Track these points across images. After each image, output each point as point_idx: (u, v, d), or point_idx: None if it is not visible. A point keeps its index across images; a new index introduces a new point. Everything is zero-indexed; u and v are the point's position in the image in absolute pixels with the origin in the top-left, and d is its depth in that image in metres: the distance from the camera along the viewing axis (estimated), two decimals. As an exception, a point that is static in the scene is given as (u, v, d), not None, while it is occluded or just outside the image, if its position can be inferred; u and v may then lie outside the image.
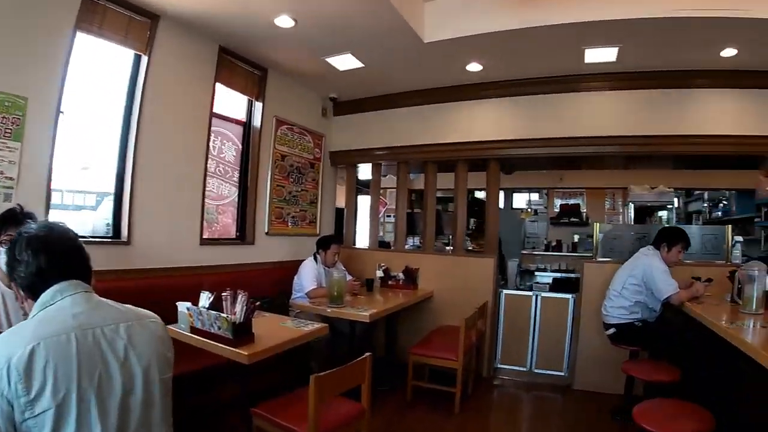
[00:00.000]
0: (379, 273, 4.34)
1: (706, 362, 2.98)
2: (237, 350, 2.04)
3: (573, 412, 3.61)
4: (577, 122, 4.12)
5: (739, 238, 4.12)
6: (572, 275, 6.42)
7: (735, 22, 3.05)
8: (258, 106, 4.17)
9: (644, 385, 3.14)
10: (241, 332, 2.13)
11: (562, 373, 4.12)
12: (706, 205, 7.34)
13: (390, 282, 4.31)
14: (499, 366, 4.30)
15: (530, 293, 4.30)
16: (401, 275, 4.28)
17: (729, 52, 3.58)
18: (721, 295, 3.31)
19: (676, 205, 6.68)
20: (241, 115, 4.18)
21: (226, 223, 4.06)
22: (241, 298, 2.18)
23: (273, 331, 2.44)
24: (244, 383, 2.44)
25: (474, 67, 3.95)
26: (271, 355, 2.18)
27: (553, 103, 4.20)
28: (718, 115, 3.97)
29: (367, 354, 2.06)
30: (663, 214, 6.74)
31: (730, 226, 4.18)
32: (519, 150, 4.30)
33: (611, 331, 3.39)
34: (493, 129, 4.35)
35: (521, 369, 4.22)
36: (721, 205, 7.07)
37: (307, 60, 3.95)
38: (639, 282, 3.29)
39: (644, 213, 6.23)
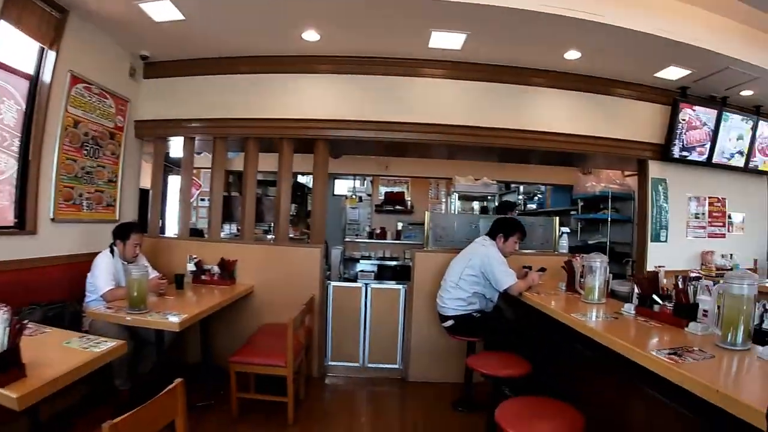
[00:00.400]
0: (191, 266, 4.26)
1: (548, 351, 3.45)
2: (1, 391, 1.73)
3: (413, 405, 3.97)
4: (415, 108, 4.56)
5: (566, 229, 4.94)
6: (397, 263, 7.33)
7: (583, 24, 3.64)
8: (51, 56, 3.71)
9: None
10: (6, 365, 1.80)
11: (397, 366, 4.55)
12: (521, 197, 8.96)
13: (203, 277, 4.25)
14: (330, 363, 4.55)
15: (359, 284, 4.61)
16: (216, 268, 4.25)
17: (573, 55, 4.29)
18: (554, 283, 3.91)
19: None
20: (29, 68, 3.66)
21: (1, 206, 3.54)
22: (2, 315, 1.84)
23: (54, 355, 2.11)
24: (30, 412, 2.17)
25: (311, 35, 4.06)
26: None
27: (392, 85, 4.56)
28: (552, 113, 4.81)
29: (178, 381, 1.86)
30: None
31: (557, 217, 5.02)
32: (352, 131, 4.56)
33: (449, 323, 3.79)
34: (326, 107, 4.57)
35: (354, 365, 4.55)
36: (537, 198, 8.64)
37: (117, 3, 3.65)
38: (476, 273, 3.74)
39: (506, 207, 7.35)
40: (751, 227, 6.25)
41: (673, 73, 4.73)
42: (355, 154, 6.83)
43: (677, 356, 1.87)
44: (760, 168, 5.99)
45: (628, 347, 2.07)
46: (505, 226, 3.97)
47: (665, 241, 5.57)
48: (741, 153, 5.77)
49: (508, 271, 3.71)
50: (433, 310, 4.15)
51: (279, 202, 4.73)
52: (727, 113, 5.48)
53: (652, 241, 5.47)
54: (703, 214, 5.86)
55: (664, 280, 2.91)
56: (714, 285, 2.29)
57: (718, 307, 2.14)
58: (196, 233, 5.42)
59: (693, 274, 2.56)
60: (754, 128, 5.71)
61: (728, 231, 6.05)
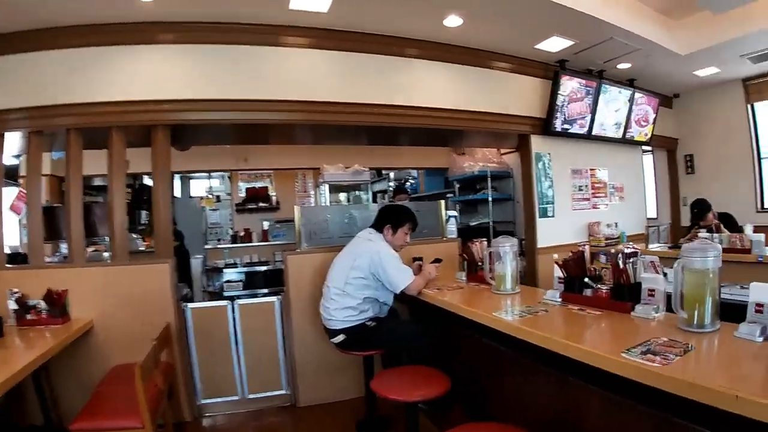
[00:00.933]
0: (12, 304, 3.57)
1: (463, 354, 3.33)
2: None
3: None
4: (276, 83, 4.28)
5: (453, 213, 5.02)
6: (268, 267, 7.15)
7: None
8: None
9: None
10: None
11: (284, 391, 4.28)
12: (392, 183, 9.29)
13: (29, 316, 3.57)
14: (204, 402, 4.17)
15: (224, 303, 4.23)
16: (43, 304, 3.60)
17: (453, 21, 4.30)
18: (450, 274, 3.88)
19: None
20: None
21: None
22: None
23: None
24: None
25: (143, -7, 3.56)
26: None
27: (248, 57, 4.23)
28: (430, 87, 4.84)
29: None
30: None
31: (443, 201, 5.05)
32: (198, 114, 4.16)
33: (340, 338, 3.45)
34: (166, 85, 4.09)
35: (233, 399, 4.19)
36: (409, 183, 9.00)
37: None
38: (365, 274, 3.43)
39: (400, 191, 7.22)
40: (630, 196, 6.96)
41: (554, 44, 4.99)
42: (206, 143, 6.32)
43: (654, 354, 1.67)
44: (635, 138, 6.67)
45: (592, 352, 1.84)
46: (393, 214, 3.70)
47: (552, 216, 5.93)
48: (618, 125, 6.27)
49: (403, 268, 3.49)
50: (316, 320, 3.90)
51: (112, 210, 4.11)
52: (606, 86, 6.00)
53: (540, 217, 5.79)
54: (586, 186, 6.36)
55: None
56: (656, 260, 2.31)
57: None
58: (19, 259, 4.61)
59: (628, 250, 2.49)
60: (631, 100, 6.31)
61: (610, 201, 6.66)
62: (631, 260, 2.40)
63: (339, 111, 4.47)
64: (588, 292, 2.59)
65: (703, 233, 4.72)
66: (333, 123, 4.57)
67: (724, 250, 4.28)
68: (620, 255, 2.42)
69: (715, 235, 4.59)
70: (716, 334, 1.88)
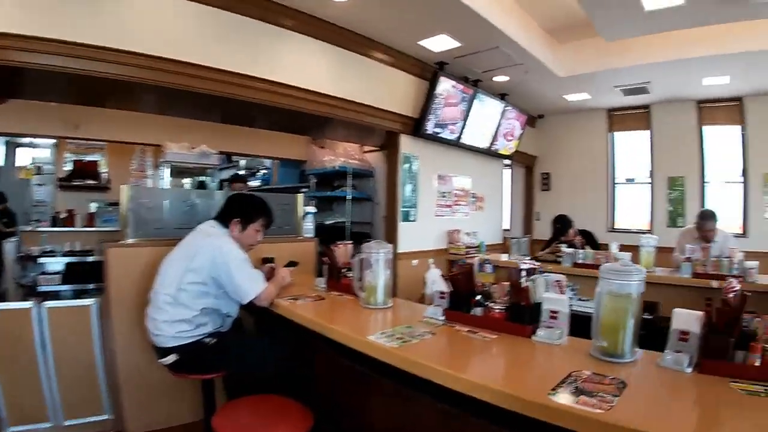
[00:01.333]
0: None
1: (326, 376, 2.87)
2: None
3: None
4: (116, 29, 3.57)
5: (311, 209, 4.53)
6: (94, 258, 6.19)
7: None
8: None
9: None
10: None
11: (106, 416, 3.62)
12: (242, 172, 8.73)
13: None
14: (11, 430, 3.37)
15: (28, 304, 3.47)
16: None
17: None
18: (306, 279, 3.49)
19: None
20: None
21: None
22: None
23: None
24: None
25: None
26: None
27: None
28: (300, 65, 4.48)
29: None
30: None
31: (301, 194, 4.55)
32: (16, 54, 3.32)
33: (171, 358, 2.85)
34: None
35: (44, 426, 3.46)
36: (261, 173, 8.64)
37: None
38: (205, 279, 2.86)
39: (237, 181, 6.58)
40: (489, 206, 7.22)
41: (440, 43, 4.88)
42: (28, 97, 5.28)
43: (588, 395, 1.43)
44: (500, 151, 6.91)
45: (516, 397, 1.50)
46: (244, 206, 3.12)
47: (414, 220, 5.86)
48: (487, 135, 6.40)
49: (253, 273, 2.95)
50: (144, 330, 3.12)
51: None
52: (482, 95, 6.02)
53: (401, 220, 5.68)
54: (450, 192, 6.30)
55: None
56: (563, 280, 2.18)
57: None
58: None
59: (525, 265, 2.26)
60: (502, 113, 6.51)
61: (470, 210, 6.83)
62: (532, 278, 2.17)
63: (192, 74, 3.87)
64: (477, 311, 2.30)
65: (564, 248, 4.91)
66: (183, 88, 3.92)
67: (588, 267, 4.55)
68: (522, 272, 2.18)
69: (579, 251, 4.77)
70: (638, 365, 1.73)
